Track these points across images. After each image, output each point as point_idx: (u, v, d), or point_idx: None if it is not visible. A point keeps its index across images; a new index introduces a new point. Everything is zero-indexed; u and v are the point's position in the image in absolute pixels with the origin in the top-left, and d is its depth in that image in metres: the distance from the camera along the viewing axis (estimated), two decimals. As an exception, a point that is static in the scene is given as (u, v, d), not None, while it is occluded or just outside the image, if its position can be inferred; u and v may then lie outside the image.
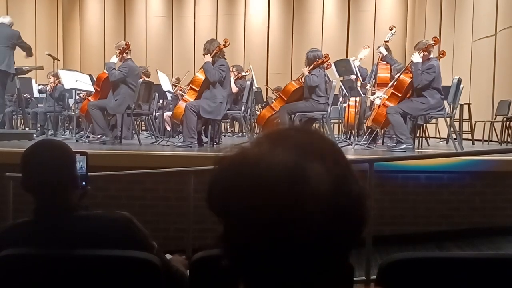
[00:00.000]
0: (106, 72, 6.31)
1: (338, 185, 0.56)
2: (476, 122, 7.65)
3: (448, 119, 5.65)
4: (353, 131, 7.26)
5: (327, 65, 6.39)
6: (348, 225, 0.57)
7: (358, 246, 0.61)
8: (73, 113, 7.66)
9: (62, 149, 1.49)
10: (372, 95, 6.61)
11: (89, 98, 7.03)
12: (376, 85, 6.62)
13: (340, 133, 8.81)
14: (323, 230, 0.55)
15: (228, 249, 0.60)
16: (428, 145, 7.07)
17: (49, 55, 7.16)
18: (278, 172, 0.55)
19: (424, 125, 6.90)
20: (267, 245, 0.55)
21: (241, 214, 0.56)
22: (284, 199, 0.54)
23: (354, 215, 0.58)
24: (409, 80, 5.59)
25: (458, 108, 6.95)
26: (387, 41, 6.89)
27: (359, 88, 6.75)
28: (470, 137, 7.54)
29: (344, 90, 6.97)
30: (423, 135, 6.97)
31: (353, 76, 6.92)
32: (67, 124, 9.05)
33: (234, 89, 7.08)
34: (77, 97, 7.84)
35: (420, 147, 6.40)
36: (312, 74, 5.88)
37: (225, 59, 5.91)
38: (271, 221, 0.54)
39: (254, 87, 7.24)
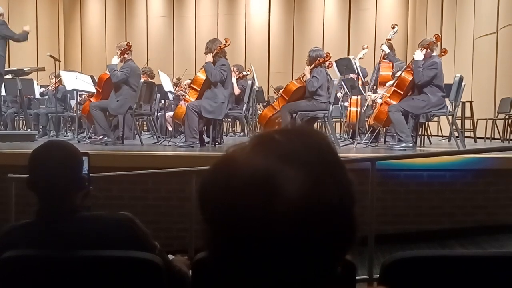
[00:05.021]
0: (108, 74, 6.32)
1: (314, 191, 0.56)
2: (478, 120, 7.64)
3: (450, 117, 5.63)
4: (355, 130, 7.25)
5: (329, 64, 6.38)
6: (330, 231, 0.57)
7: (349, 251, 0.60)
8: (75, 114, 7.67)
9: (71, 151, 1.50)
10: (374, 93, 6.59)
11: (91, 99, 7.03)
12: (378, 83, 6.61)
13: (342, 132, 8.81)
14: (298, 235, 0.55)
15: (211, 251, 0.61)
16: (430, 143, 7.07)
17: (51, 56, 7.18)
18: (247, 177, 0.56)
19: (426, 123, 6.89)
20: (243, 249, 0.56)
21: (217, 217, 0.58)
22: (252, 203, 0.55)
23: (337, 222, 0.57)
24: (411, 78, 5.57)
25: (460, 106, 6.94)
26: (390, 39, 6.87)
27: (360, 86, 6.73)
28: (472, 135, 7.54)
29: (346, 88, 6.95)
30: (425, 133, 6.96)
31: (354, 75, 6.90)
32: (69, 125, 9.06)
33: (237, 90, 7.07)
34: (79, 98, 7.85)
35: (422, 145, 6.40)
36: (313, 76, 5.85)
37: (227, 59, 5.90)
38: (244, 225, 0.55)
39: (255, 87, 7.23)
